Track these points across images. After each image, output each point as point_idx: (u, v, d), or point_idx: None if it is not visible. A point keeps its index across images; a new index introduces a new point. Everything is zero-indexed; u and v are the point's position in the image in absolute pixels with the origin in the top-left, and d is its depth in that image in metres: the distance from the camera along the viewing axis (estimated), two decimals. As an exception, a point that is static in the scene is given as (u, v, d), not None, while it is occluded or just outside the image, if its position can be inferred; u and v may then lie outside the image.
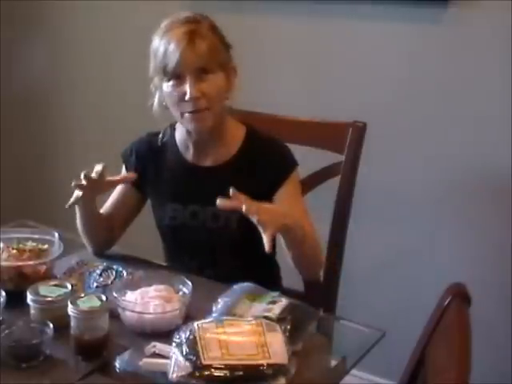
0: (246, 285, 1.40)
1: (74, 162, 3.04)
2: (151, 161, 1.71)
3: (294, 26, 2.37)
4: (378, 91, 2.24)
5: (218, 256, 1.68)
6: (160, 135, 1.70)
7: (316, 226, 1.77)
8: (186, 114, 1.57)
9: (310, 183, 1.84)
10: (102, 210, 1.72)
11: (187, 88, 1.52)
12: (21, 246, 1.54)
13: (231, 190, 1.39)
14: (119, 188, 1.72)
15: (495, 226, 2.13)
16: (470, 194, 2.16)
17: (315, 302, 1.55)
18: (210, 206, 1.59)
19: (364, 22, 2.24)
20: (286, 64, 2.41)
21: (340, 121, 1.82)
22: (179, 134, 1.70)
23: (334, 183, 1.82)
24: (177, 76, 1.54)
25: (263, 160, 1.64)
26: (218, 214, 1.61)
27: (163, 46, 1.53)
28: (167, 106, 1.60)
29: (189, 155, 1.68)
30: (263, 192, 1.61)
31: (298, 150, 1.71)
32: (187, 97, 1.53)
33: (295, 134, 1.83)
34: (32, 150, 3.18)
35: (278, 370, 1.15)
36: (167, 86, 1.56)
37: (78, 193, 1.52)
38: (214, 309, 1.34)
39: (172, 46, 1.51)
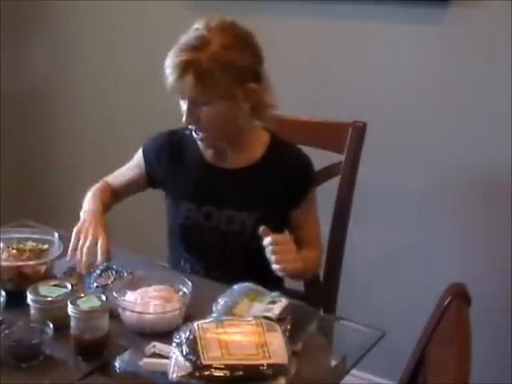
0: (246, 285, 1.40)
1: (75, 162, 3.06)
2: (170, 157, 1.70)
3: (296, 26, 2.37)
4: (378, 91, 2.24)
5: (228, 259, 1.66)
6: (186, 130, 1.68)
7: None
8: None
9: (310, 183, 1.84)
10: (110, 179, 1.75)
11: (184, 111, 1.55)
12: (21, 245, 1.54)
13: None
14: (132, 173, 1.75)
15: (496, 226, 2.13)
16: (471, 193, 2.16)
17: (315, 302, 1.55)
18: (225, 209, 1.61)
19: (366, 23, 2.24)
20: (287, 64, 2.41)
21: (340, 121, 1.82)
22: None
23: (334, 183, 1.82)
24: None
25: (285, 171, 1.64)
26: (233, 218, 1.61)
27: (165, 67, 1.52)
28: None
29: (209, 155, 1.67)
30: (281, 202, 1.63)
31: (298, 150, 1.71)
32: (183, 119, 1.55)
33: (296, 134, 1.82)
34: (33, 150, 3.18)
35: (277, 370, 1.15)
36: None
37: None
38: (214, 309, 1.34)
39: (167, 72, 1.51)
